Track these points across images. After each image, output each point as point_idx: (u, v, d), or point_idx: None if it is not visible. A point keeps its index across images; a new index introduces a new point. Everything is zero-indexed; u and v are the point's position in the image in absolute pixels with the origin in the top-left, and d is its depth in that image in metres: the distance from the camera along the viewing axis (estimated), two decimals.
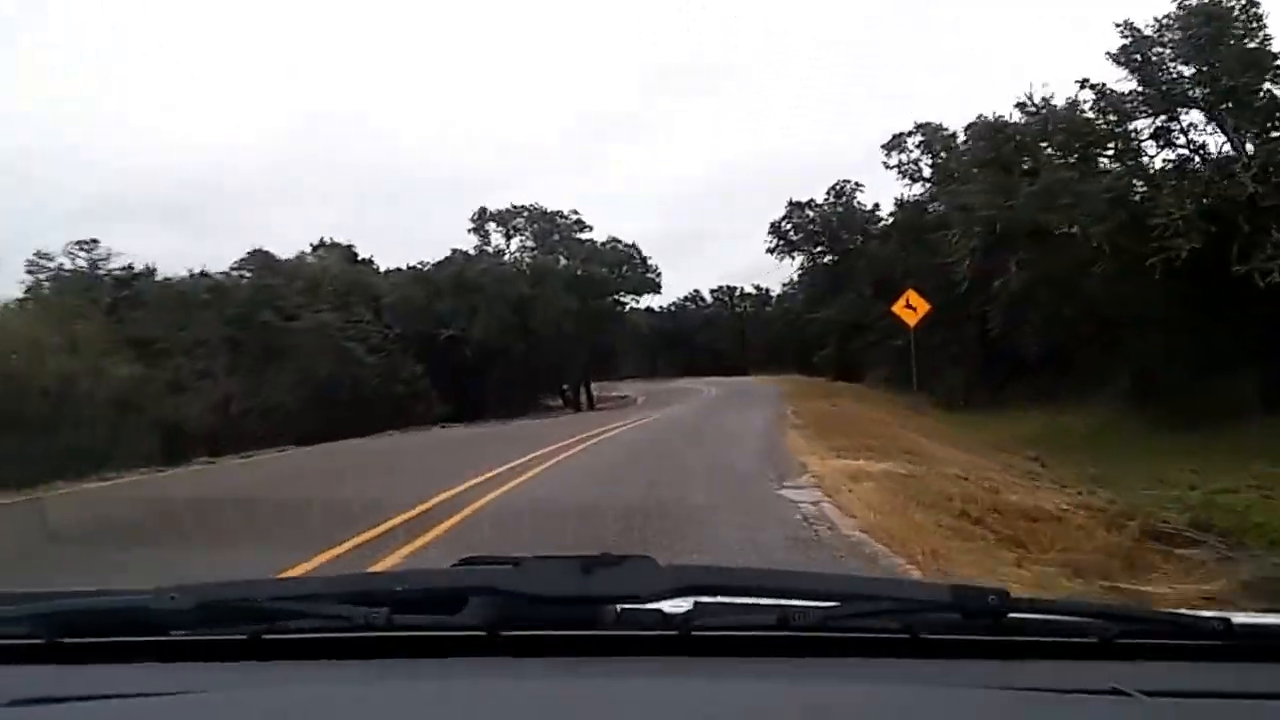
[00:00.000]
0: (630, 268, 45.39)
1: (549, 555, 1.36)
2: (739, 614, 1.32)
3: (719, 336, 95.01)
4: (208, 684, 1.22)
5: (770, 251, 47.28)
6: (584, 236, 45.50)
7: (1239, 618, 1.32)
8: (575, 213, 45.34)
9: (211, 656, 1.31)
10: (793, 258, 47.82)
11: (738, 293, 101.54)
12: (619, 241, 45.79)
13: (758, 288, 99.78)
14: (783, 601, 1.30)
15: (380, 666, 1.27)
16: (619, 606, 1.29)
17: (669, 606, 1.29)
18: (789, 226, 45.30)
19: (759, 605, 1.32)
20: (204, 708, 1.17)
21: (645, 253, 46.26)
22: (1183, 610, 1.51)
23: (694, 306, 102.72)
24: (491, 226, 45.22)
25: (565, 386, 47.98)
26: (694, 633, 1.29)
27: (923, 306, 27.88)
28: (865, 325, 41.10)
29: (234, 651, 1.30)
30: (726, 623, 1.32)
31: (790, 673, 1.25)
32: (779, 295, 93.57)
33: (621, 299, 46.32)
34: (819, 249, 45.48)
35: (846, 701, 1.17)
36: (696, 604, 1.31)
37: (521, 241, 45.01)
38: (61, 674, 1.28)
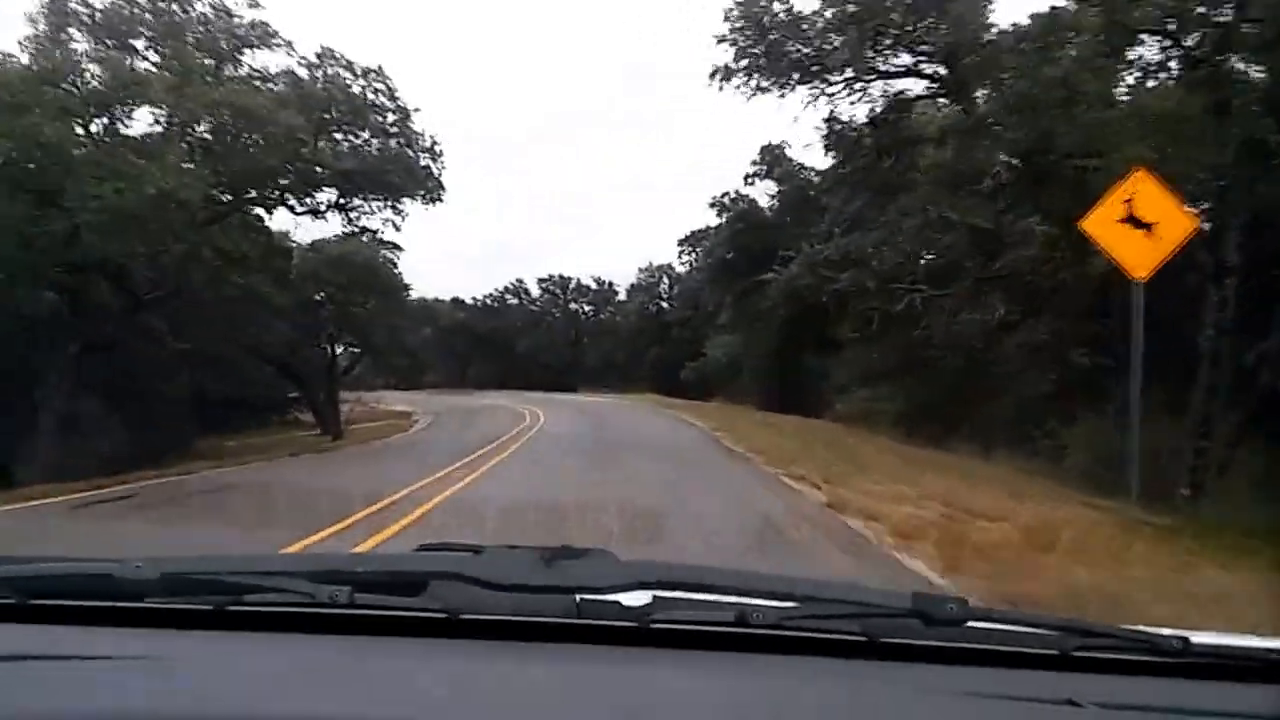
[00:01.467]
0: (376, 133, 18.39)
1: (511, 545, 1.47)
2: (697, 609, 1.33)
3: (546, 342, 73.31)
4: (174, 651, 1.25)
5: (721, 77, 17.70)
6: (263, 57, 18.88)
7: (1198, 637, 1.33)
8: None
9: (178, 625, 1.33)
10: (781, 92, 17.71)
11: (572, 285, 78.92)
12: (342, 61, 18.23)
13: (599, 281, 77.86)
14: (742, 599, 1.31)
15: (342, 643, 1.29)
16: (578, 597, 1.30)
17: (628, 599, 1.30)
18: (769, 19, 15.41)
19: (718, 602, 1.33)
20: (170, 672, 1.20)
21: (409, 103, 19.42)
22: (1142, 627, 1.44)
23: (516, 301, 79.69)
24: (75, 34, 19.08)
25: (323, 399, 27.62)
26: (653, 625, 1.30)
27: (1180, 224, 10.20)
28: (890, 288, 18.25)
29: (200, 621, 1.32)
30: (685, 617, 1.33)
31: (748, 669, 1.26)
32: (632, 285, 71.99)
33: (356, 206, 19.35)
34: (863, 64, 15.19)
35: (803, 698, 1.19)
36: (655, 598, 1.32)
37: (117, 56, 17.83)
38: (33, 634, 1.31)
